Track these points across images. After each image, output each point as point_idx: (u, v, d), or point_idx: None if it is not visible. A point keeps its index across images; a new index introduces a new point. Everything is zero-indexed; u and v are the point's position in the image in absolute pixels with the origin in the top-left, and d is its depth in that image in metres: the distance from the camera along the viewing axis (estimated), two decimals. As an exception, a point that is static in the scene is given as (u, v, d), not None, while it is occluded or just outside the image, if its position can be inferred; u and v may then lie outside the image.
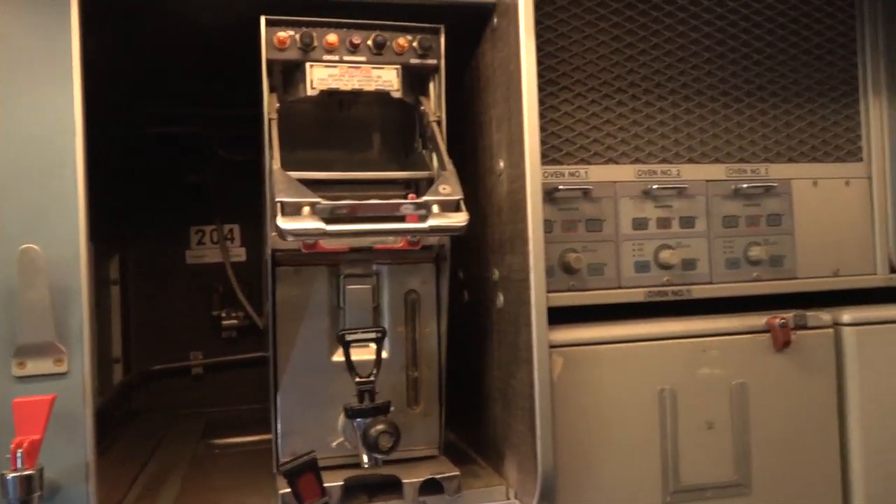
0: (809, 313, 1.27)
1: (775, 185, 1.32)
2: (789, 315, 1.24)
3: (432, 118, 1.22)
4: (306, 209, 1.03)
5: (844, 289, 1.37)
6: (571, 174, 1.24)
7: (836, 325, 1.29)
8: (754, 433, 1.22)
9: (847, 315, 1.29)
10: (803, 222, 1.34)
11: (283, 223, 1.00)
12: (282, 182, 1.05)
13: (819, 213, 1.35)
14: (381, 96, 1.21)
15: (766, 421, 1.23)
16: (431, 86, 1.24)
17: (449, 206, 1.08)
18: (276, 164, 1.08)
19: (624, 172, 1.26)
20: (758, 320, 1.24)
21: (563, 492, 1.15)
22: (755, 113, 1.33)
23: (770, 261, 1.32)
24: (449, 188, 1.10)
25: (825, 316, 1.28)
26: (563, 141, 1.24)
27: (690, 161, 1.29)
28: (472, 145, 1.35)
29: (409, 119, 1.29)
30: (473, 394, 1.39)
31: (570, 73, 1.25)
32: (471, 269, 1.39)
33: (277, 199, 1.02)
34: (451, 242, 1.22)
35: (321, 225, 1.01)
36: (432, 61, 1.22)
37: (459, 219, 1.07)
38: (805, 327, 1.25)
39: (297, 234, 1.01)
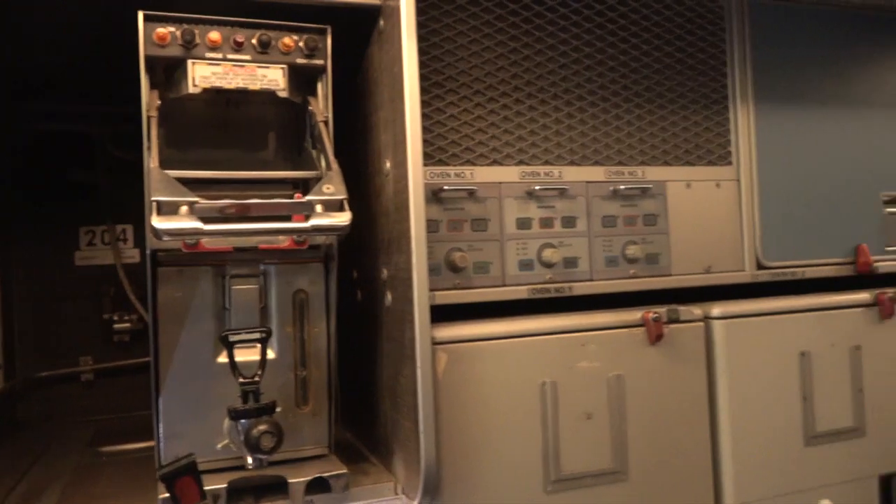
0: (682, 308, 1.34)
1: (651, 186, 1.39)
2: (662, 310, 1.31)
3: (320, 118, 1.23)
4: (184, 208, 1.02)
5: (716, 285, 1.45)
6: (457, 175, 1.27)
7: (707, 318, 1.37)
8: (631, 422, 1.28)
9: (716, 309, 1.37)
10: (677, 222, 1.42)
11: (158, 223, 0.99)
12: (158, 181, 1.03)
13: (692, 214, 1.43)
14: (269, 96, 1.21)
15: (641, 410, 1.29)
16: (319, 86, 1.25)
17: (332, 206, 1.09)
18: (154, 163, 1.06)
19: (508, 174, 1.30)
20: (633, 315, 1.30)
21: (450, 485, 1.17)
22: (632, 118, 1.40)
23: (646, 258, 1.39)
24: (333, 188, 1.11)
25: (696, 310, 1.36)
26: (449, 142, 1.27)
27: (572, 163, 1.35)
28: (364, 146, 1.36)
29: (301, 119, 1.29)
30: (368, 392, 1.41)
31: (457, 76, 1.28)
32: (364, 269, 1.40)
33: (152, 199, 1.01)
34: (339, 242, 1.23)
35: (198, 224, 1.00)
36: (319, 62, 1.23)
37: (343, 218, 1.08)
38: (677, 321, 1.32)
39: (172, 233, 0.99)
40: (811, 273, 1.52)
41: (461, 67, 1.28)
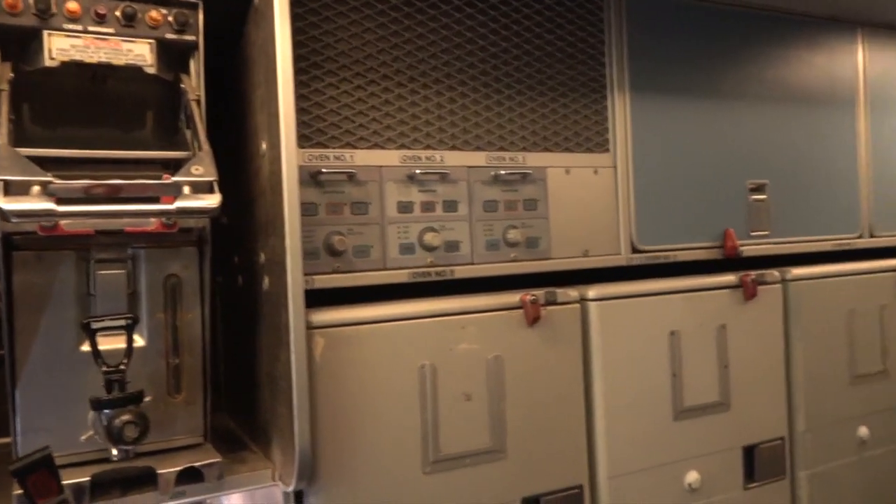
0: (559, 290, 1.38)
1: (531, 172, 1.42)
2: (540, 292, 1.35)
3: (192, 96, 1.19)
4: (36, 188, 0.96)
5: (593, 268, 1.50)
6: (336, 157, 1.25)
7: (583, 300, 1.41)
8: (509, 402, 1.31)
9: (592, 291, 1.42)
10: (557, 207, 1.45)
11: (6, 204, 0.93)
12: (6, 159, 0.97)
13: (571, 199, 1.47)
14: (137, 72, 1.16)
15: (519, 390, 1.32)
16: (192, 63, 1.20)
17: (201, 188, 1.06)
18: (2, 140, 1.00)
19: (389, 157, 1.30)
20: (512, 298, 1.33)
21: (327, 470, 1.16)
22: (514, 104, 1.42)
23: (526, 242, 1.42)
24: (202, 169, 1.08)
25: (573, 292, 1.40)
26: (329, 125, 1.25)
27: (454, 148, 1.36)
28: (244, 127, 1.33)
29: (177, 97, 1.24)
30: (250, 380, 1.38)
31: (337, 57, 1.26)
32: (244, 253, 1.37)
33: (0, 178, 0.95)
34: (213, 225, 1.19)
35: (50, 205, 0.95)
36: (191, 38, 1.18)
37: (211, 201, 1.05)
38: (555, 303, 1.36)
39: (21, 214, 0.94)
40: (682, 256, 1.60)
41: (341, 48, 1.27)
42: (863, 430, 1.78)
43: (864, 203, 1.92)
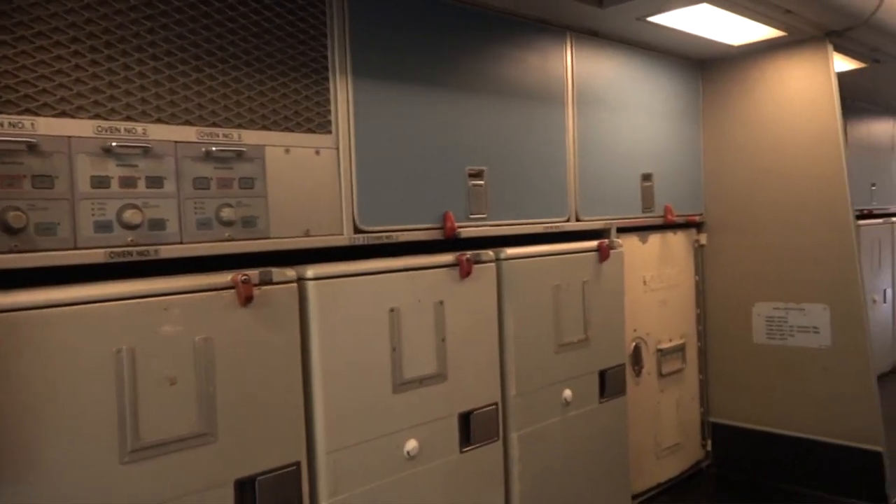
0: (275, 270, 1.37)
1: (247, 150, 1.39)
2: (254, 272, 1.33)
3: None
4: None
5: (316, 247, 1.52)
6: (13, 125, 1.13)
7: (301, 279, 1.42)
8: (220, 384, 1.28)
9: (311, 271, 1.43)
10: (276, 186, 1.44)
11: None
12: None
13: (291, 179, 1.47)
14: None
15: (232, 371, 1.30)
16: None
17: None
18: None
19: (81, 127, 1.19)
20: (222, 278, 1.30)
21: (3, 471, 1.05)
22: (229, 80, 1.38)
23: (242, 222, 1.39)
24: None
25: (290, 272, 1.40)
26: (3, 87, 1.12)
27: (159, 121, 1.29)
28: None
29: None
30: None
31: (12, 12, 1.13)
32: None
33: None
34: None
35: None
36: None
37: None
38: (270, 283, 1.36)
39: None
40: (404, 237, 1.68)
41: (18, 3, 1.14)
42: (567, 393, 2.01)
43: (571, 190, 2.15)
